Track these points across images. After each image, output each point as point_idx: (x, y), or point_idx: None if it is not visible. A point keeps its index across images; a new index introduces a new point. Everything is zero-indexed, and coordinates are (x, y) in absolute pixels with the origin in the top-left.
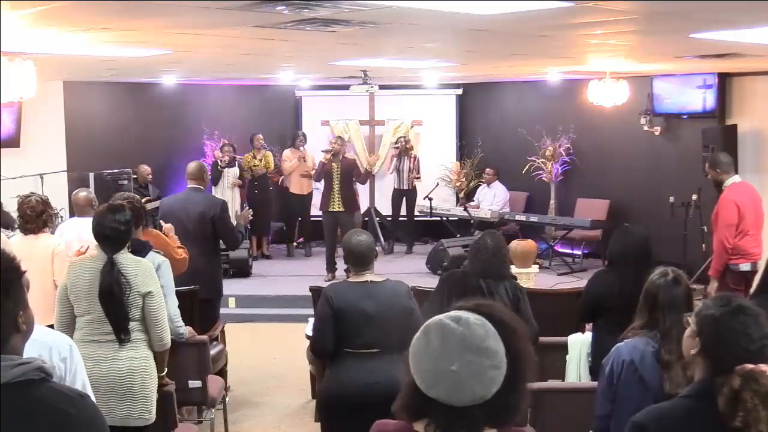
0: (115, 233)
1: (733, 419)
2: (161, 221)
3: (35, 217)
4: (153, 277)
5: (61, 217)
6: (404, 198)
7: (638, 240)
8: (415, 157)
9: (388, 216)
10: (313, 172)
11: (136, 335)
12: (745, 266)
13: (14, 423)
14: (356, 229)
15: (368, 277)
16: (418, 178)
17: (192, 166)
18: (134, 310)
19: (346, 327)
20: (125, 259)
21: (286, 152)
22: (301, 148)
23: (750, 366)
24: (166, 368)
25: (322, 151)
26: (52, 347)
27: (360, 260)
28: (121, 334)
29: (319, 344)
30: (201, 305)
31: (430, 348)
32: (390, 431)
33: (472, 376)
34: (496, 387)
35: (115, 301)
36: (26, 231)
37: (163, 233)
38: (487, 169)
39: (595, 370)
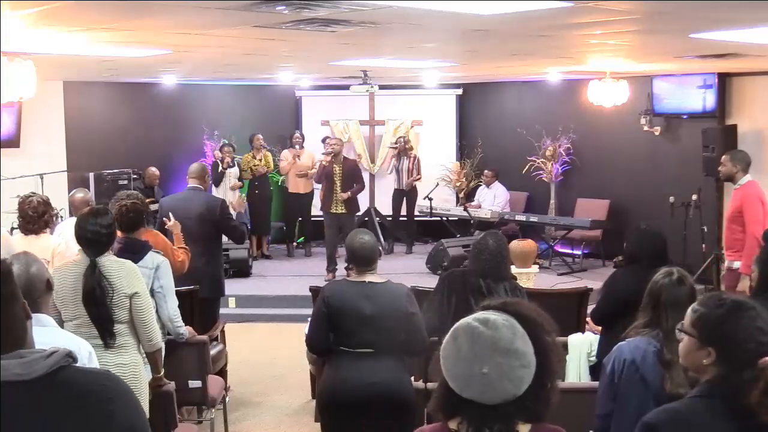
0: (96, 236)
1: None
2: (164, 218)
3: (37, 217)
4: (138, 278)
5: (61, 217)
6: (404, 198)
7: (660, 238)
8: (414, 157)
9: (388, 216)
10: (310, 172)
11: (125, 339)
12: None
13: (60, 408)
14: (360, 229)
15: (369, 277)
16: (419, 179)
17: (194, 165)
18: (120, 312)
19: (341, 326)
20: (108, 261)
21: (285, 152)
22: (298, 147)
23: None
24: (162, 369)
25: (323, 153)
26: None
27: (363, 261)
28: (107, 338)
29: (313, 341)
30: (201, 304)
31: (461, 353)
32: None
33: (503, 377)
34: (527, 384)
35: (98, 304)
36: (27, 231)
37: (166, 229)
38: (486, 171)
39: (598, 370)
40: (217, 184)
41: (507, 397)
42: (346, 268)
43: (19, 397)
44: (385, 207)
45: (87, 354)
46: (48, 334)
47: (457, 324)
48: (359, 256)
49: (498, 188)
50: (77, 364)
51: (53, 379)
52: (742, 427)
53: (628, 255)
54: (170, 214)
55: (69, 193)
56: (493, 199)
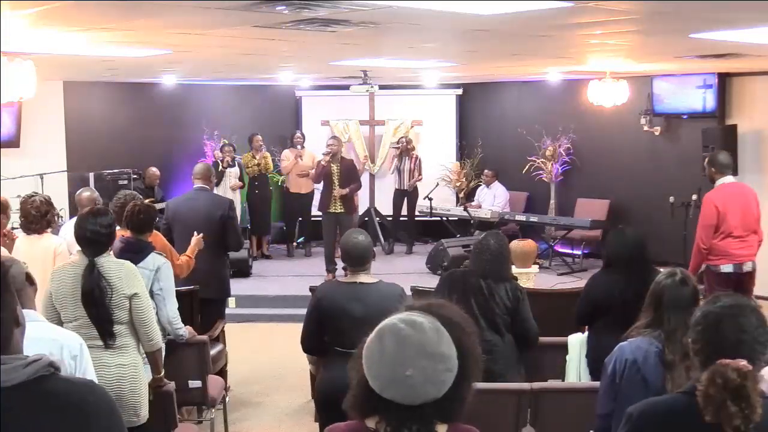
0: (96, 236)
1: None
2: (195, 232)
3: (39, 217)
4: (137, 279)
5: (62, 217)
6: (405, 198)
7: (637, 241)
8: (416, 158)
9: (389, 216)
10: (311, 172)
11: (125, 340)
12: (726, 267)
13: (36, 419)
14: (355, 229)
15: (361, 278)
16: (420, 179)
17: (199, 166)
18: (119, 312)
19: (332, 326)
20: (107, 262)
21: (286, 152)
22: (299, 147)
23: (726, 361)
24: (162, 369)
25: (323, 154)
26: (63, 345)
27: (356, 260)
28: (107, 338)
29: (306, 341)
30: (208, 306)
31: (386, 353)
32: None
33: (427, 380)
34: (448, 387)
35: (97, 304)
36: (29, 231)
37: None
38: (486, 171)
39: (594, 371)
40: (218, 183)
41: (428, 398)
42: (344, 269)
43: None
44: (385, 207)
45: (78, 346)
46: (36, 329)
47: (382, 324)
48: (352, 255)
49: (498, 188)
50: (70, 355)
51: (32, 389)
52: (707, 426)
53: (606, 257)
54: (203, 234)
55: (69, 192)
56: (493, 199)
